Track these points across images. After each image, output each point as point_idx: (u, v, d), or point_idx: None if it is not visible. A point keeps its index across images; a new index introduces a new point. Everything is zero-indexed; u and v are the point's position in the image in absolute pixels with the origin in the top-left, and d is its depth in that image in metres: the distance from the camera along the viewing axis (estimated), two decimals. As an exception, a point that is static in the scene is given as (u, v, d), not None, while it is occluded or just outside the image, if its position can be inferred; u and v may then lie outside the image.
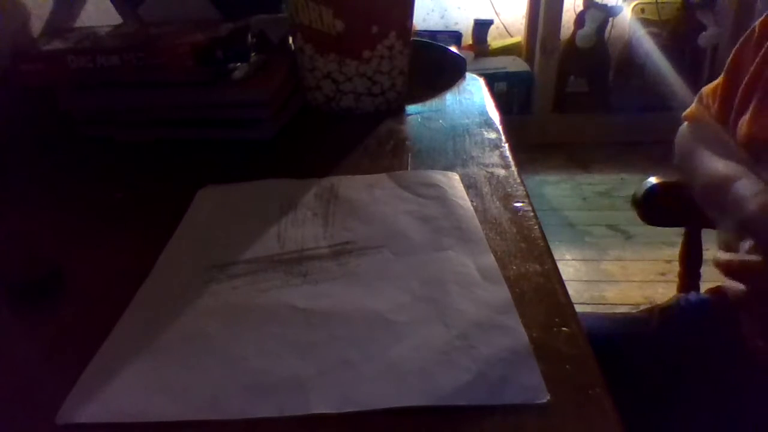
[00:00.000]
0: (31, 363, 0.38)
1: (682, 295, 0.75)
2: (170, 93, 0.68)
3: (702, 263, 0.82)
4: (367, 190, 0.55)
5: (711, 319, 0.68)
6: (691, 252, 0.82)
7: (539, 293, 0.41)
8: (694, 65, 2.37)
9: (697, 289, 0.82)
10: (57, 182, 0.63)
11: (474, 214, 0.51)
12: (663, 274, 1.70)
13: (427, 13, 2.50)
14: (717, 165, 0.59)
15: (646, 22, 2.37)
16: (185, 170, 0.63)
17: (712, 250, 0.62)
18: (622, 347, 0.66)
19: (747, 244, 0.49)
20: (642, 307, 0.76)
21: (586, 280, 1.71)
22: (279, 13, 0.79)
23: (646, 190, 0.75)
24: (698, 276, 0.82)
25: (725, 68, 0.64)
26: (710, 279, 0.71)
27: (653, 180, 0.76)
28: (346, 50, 0.69)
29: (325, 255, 0.46)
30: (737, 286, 0.49)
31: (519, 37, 2.54)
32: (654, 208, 0.76)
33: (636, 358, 0.66)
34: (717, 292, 0.72)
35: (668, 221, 0.83)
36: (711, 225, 0.70)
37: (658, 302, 0.75)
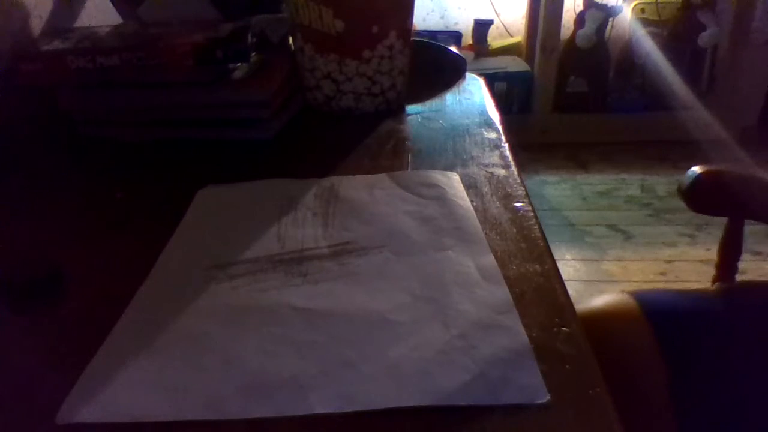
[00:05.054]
0: (31, 363, 0.38)
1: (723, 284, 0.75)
2: (170, 93, 0.68)
3: (741, 255, 0.81)
4: (367, 190, 0.55)
5: None
6: (731, 242, 0.81)
7: (539, 293, 0.41)
8: (694, 65, 2.37)
9: (733, 281, 0.81)
10: (57, 182, 0.63)
11: (474, 214, 0.51)
12: (663, 274, 1.70)
13: (427, 13, 2.50)
14: None
15: (646, 22, 2.38)
16: (185, 170, 0.63)
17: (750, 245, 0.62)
18: (687, 323, 0.67)
19: None
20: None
21: (586, 280, 1.71)
22: (279, 13, 0.79)
23: (692, 179, 0.76)
24: (735, 268, 0.82)
25: None
26: (701, 278, 0.72)
27: (697, 169, 0.76)
28: (346, 50, 0.69)
29: (325, 255, 0.46)
30: None
31: (519, 37, 2.54)
32: (700, 197, 0.76)
33: (701, 334, 0.66)
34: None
35: (714, 210, 0.83)
36: (754, 216, 0.71)
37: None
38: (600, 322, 0.68)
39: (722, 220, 0.82)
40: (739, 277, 0.80)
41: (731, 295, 0.71)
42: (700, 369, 0.63)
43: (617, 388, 0.62)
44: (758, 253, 1.73)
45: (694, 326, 0.66)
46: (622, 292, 0.71)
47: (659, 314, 0.66)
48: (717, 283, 0.77)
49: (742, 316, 0.68)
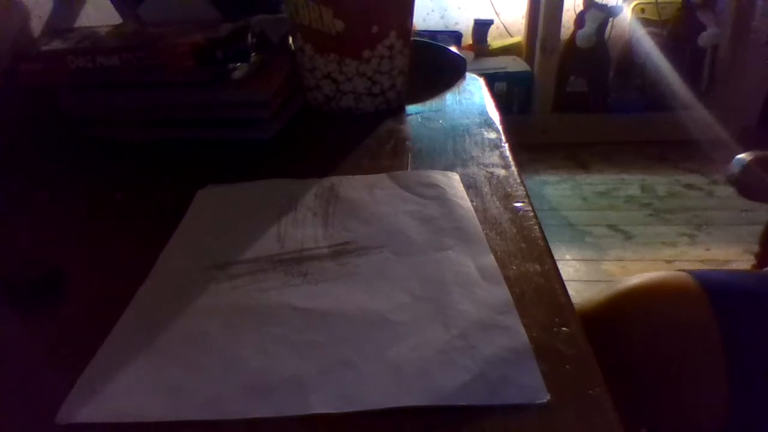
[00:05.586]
0: (31, 363, 0.38)
1: None
2: (170, 93, 0.68)
3: None
4: (367, 190, 0.55)
5: None
6: None
7: (539, 293, 0.41)
8: (694, 65, 2.37)
9: None
10: (57, 182, 0.63)
11: (474, 214, 0.51)
12: (663, 274, 1.70)
13: (427, 13, 2.50)
14: None
15: (646, 22, 2.38)
16: (185, 170, 0.63)
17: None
18: (744, 300, 0.66)
19: None
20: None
21: (586, 280, 1.71)
22: (279, 13, 0.79)
23: (742, 166, 0.76)
24: None
25: None
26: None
27: (745, 156, 0.77)
28: (346, 50, 0.69)
29: (325, 255, 0.46)
30: None
31: (519, 37, 2.54)
32: (752, 183, 0.77)
33: (759, 311, 0.65)
34: None
35: (766, 196, 0.83)
36: None
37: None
38: (657, 295, 0.67)
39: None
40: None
41: None
42: (758, 348, 0.61)
43: (673, 360, 0.61)
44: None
45: (751, 304, 0.65)
46: (676, 270, 0.70)
47: (717, 290, 0.65)
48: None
49: None
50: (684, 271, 0.69)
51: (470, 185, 0.56)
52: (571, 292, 0.41)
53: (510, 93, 2.40)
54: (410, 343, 0.37)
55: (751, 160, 0.76)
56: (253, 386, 0.35)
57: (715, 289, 0.65)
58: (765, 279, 0.70)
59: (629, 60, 2.47)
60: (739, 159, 0.77)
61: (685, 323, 0.63)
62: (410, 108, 0.76)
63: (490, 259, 0.45)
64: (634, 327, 0.65)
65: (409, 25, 0.73)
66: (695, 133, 2.18)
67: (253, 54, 0.70)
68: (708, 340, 0.61)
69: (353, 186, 0.57)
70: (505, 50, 2.51)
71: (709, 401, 0.60)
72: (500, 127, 0.69)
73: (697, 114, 2.29)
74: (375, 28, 0.68)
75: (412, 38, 0.75)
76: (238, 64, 0.68)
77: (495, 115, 0.72)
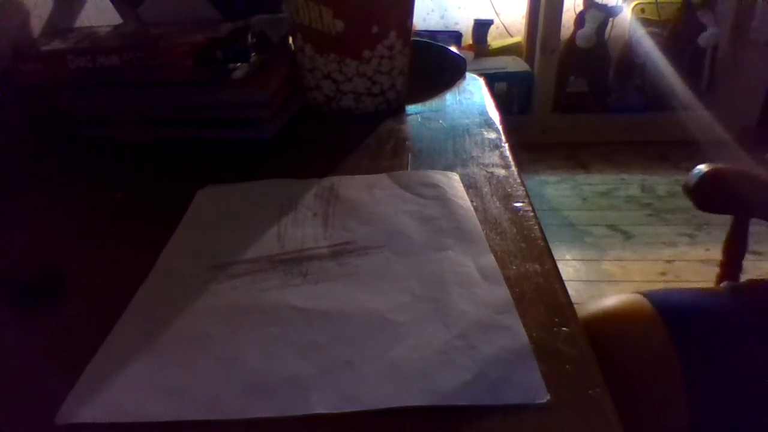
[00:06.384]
0: (31, 363, 0.38)
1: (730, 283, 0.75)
2: (170, 93, 0.68)
3: (745, 254, 0.82)
4: (367, 190, 0.55)
5: None
6: (736, 241, 0.82)
7: (539, 293, 0.41)
8: (694, 65, 2.37)
9: (737, 279, 0.81)
10: (57, 182, 0.63)
11: (474, 214, 0.51)
12: (663, 273, 1.70)
13: (427, 13, 2.50)
14: None
15: (646, 22, 2.38)
16: (185, 170, 0.63)
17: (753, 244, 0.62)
18: (700, 320, 0.67)
19: None
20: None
21: (586, 280, 1.71)
22: (279, 13, 0.79)
23: (698, 177, 0.76)
24: (740, 267, 0.82)
25: None
26: (701, 278, 0.72)
27: (703, 167, 0.77)
28: (346, 50, 0.69)
29: (325, 255, 0.46)
30: None
31: (519, 37, 2.54)
32: (706, 195, 0.77)
33: (714, 331, 0.66)
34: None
35: (719, 208, 0.83)
36: (761, 214, 0.71)
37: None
38: (614, 321, 0.68)
39: (722, 220, 0.82)
40: (743, 278, 0.80)
41: (740, 293, 0.71)
42: (715, 366, 0.63)
43: (634, 384, 0.61)
44: (757, 253, 1.73)
45: (707, 323, 0.66)
46: (633, 292, 0.71)
47: (672, 312, 0.66)
48: (724, 282, 0.77)
49: (752, 314, 0.68)
50: (641, 293, 0.70)
51: (470, 185, 0.56)
52: (571, 292, 0.41)
53: (510, 93, 2.40)
54: (410, 343, 0.37)
55: (707, 172, 0.76)
56: (253, 386, 0.35)
57: (671, 312, 0.66)
58: (720, 298, 0.71)
59: (629, 60, 2.47)
60: (696, 170, 0.77)
61: (642, 349, 0.65)
62: (410, 108, 0.76)
63: (490, 259, 0.45)
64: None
65: (409, 25, 0.73)
66: (695, 133, 2.18)
67: (253, 54, 0.70)
68: (666, 365, 0.62)
69: (353, 186, 0.56)
70: (505, 50, 2.51)
71: (671, 423, 0.60)
72: (500, 127, 0.69)
73: (697, 114, 2.29)
74: (375, 28, 0.68)
75: (412, 38, 0.75)
76: (238, 64, 0.68)
77: (495, 115, 0.72)
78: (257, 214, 0.53)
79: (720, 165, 0.77)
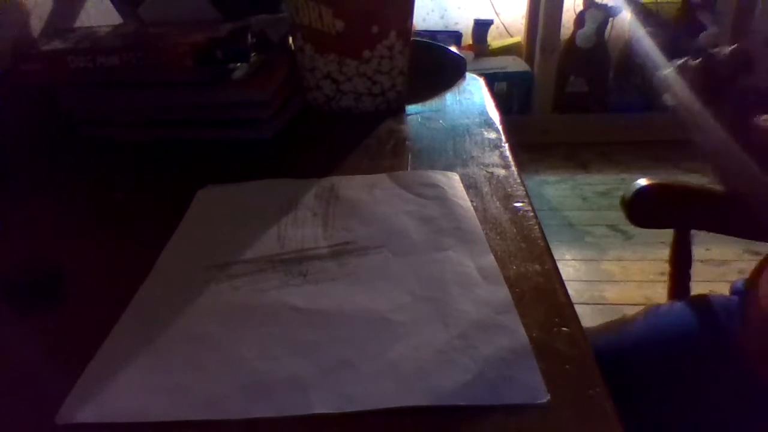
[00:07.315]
0: (31, 363, 0.38)
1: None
2: (170, 93, 0.68)
3: (692, 264, 0.82)
4: (367, 190, 0.55)
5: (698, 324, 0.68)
6: (681, 253, 0.82)
7: (539, 293, 0.41)
8: (694, 65, 2.37)
9: (688, 289, 0.81)
10: (57, 182, 0.63)
11: (474, 214, 0.51)
12: (663, 273, 1.69)
13: (427, 13, 2.50)
14: None
15: (646, 22, 2.37)
16: (185, 170, 0.63)
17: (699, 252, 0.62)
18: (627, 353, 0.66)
19: None
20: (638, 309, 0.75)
21: (586, 280, 1.71)
22: (279, 13, 0.79)
23: (635, 191, 0.75)
24: (689, 277, 0.83)
25: None
26: (700, 278, 0.71)
27: (643, 181, 0.75)
28: (346, 50, 0.69)
29: (325, 255, 0.46)
30: None
31: (519, 37, 2.54)
32: (643, 210, 0.76)
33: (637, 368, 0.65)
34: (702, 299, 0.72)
35: (657, 223, 0.82)
36: (699, 226, 0.69)
37: (658, 302, 0.75)
38: None
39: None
40: (737, 277, 0.80)
41: (656, 317, 0.70)
42: (652, 405, 0.62)
43: None
44: (756, 253, 1.73)
45: (643, 365, 0.65)
46: None
47: (607, 361, 0.66)
48: (644, 306, 0.75)
49: (664, 338, 0.67)
50: None
51: (470, 185, 0.56)
52: (571, 292, 0.41)
53: (510, 93, 2.40)
54: (410, 343, 0.37)
55: (644, 186, 0.75)
56: (253, 386, 0.35)
57: (605, 360, 0.66)
58: (654, 328, 0.69)
59: (629, 60, 2.47)
60: (634, 184, 0.75)
61: None
62: (410, 108, 0.76)
63: (490, 259, 0.45)
64: None
65: (409, 25, 0.73)
66: (695, 133, 2.18)
67: (253, 54, 0.70)
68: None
69: (353, 186, 0.56)
70: (505, 50, 2.51)
71: None
72: (500, 127, 0.69)
73: (697, 114, 2.28)
74: (375, 28, 0.68)
75: (412, 38, 0.75)
76: (238, 64, 0.68)
77: (495, 115, 0.72)
78: (257, 214, 0.53)
79: (656, 179, 0.75)
